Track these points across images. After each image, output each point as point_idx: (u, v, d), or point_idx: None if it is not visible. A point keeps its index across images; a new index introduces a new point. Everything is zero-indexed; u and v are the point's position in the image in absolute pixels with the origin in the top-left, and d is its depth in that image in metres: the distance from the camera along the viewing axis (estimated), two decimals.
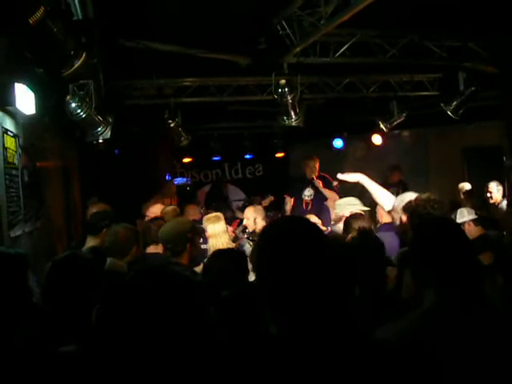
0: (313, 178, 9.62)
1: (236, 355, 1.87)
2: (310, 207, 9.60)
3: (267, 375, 1.73)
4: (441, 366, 2.14)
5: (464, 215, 6.03)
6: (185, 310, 1.75)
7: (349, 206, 6.48)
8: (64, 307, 3.03)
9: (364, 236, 4.26)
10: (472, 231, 5.84)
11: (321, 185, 9.50)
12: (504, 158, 9.35)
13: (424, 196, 4.44)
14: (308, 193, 9.71)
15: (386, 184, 11.10)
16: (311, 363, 1.72)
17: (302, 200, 9.72)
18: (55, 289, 3.11)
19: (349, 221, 5.52)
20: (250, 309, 2.96)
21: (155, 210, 7.67)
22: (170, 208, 7.74)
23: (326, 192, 9.37)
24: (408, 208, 4.36)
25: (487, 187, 9.18)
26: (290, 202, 9.87)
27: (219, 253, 4.21)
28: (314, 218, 7.60)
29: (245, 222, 7.24)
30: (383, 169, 11.76)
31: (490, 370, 2.21)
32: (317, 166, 9.74)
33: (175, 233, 4.83)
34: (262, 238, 1.98)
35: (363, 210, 6.38)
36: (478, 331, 2.28)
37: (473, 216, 6.03)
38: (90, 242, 5.36)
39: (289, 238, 1.88)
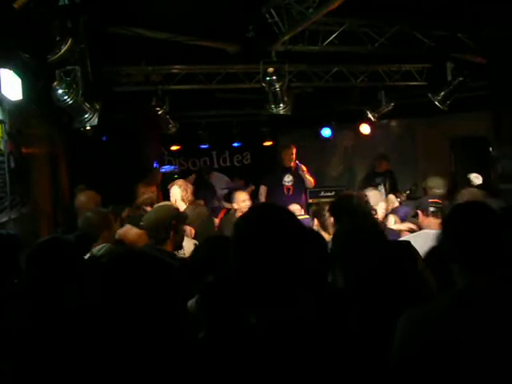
0: (291, 166, 9.87)
1: (216, 345, 1.88)
2: (291, 192, 9.92)
3: (248, 365, 1.73)
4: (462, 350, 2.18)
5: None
6: (160, 293, 1.77)
7: None
8: (42, 288, 3.03)
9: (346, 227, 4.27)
10: None
11: (305, 169, 9.82)
12: (490, 148, 9.39)
13: (347, 192, 4.58)
14: (288, 179, 9.95)
15: (373, 173, 11.25)
16: (291, 352, 1.73)
17: (283, 186, 9.87)
18: (35, 270, 3.11)
19: (321, 206, 5.62)
20: (234, 295, 2.97)
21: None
22: (146, 196, 7.71)
23: (308, 178, 9.83)
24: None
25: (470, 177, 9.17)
26: (264, 192, 10.06)
27: (209, 239, 4.22)
28: (294, 206, 7.69)
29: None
30: (371, 158, 11.81)
31: None
32: (293, 153, 9.95)
33: (158, 220, 4.80)
34: (237, 228, 1.98)
35: None
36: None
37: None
38: None
39: (264, 226, 1.87)
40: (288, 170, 9.95)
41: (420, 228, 5.15)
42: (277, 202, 8.96)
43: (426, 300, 2.57)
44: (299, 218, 2.05)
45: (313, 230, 4.37)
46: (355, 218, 4.42)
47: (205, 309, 3.12)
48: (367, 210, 4.56)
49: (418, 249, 3.09)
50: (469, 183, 8.86)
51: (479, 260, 2.45)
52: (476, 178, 8.87)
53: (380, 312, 2.65)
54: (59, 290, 2.99)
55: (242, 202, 7.54)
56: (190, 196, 7.30)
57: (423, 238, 4.01)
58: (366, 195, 4.76)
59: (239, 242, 1.92)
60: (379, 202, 5.92)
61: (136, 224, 5.50)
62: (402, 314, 2.36)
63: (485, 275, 2.41)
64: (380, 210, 5.88)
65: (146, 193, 8.74)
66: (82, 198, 6.78)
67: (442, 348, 2.22)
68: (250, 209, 2.41)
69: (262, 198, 10.07)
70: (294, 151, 9.97)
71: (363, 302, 2.96)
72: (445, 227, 2.66)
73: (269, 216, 1.93)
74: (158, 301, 1.81)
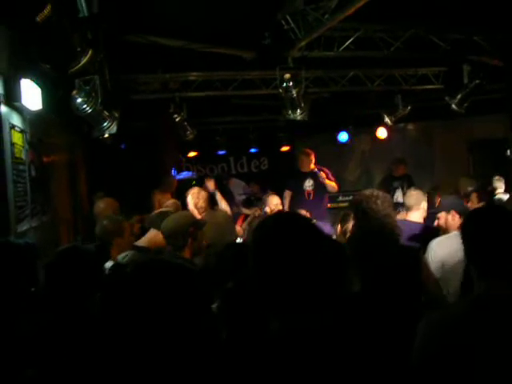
0: (312, 170, 9.78)
1: (238, 352, 1.90)
2: (312, 197, 9.84)
3: (269, 371, 1.75)
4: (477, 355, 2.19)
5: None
6: (184, 300, 1.80)
7: None
8: (63, 297, 3.07)
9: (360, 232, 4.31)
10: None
11: (324, 176, 9.69)
12: (508, 151, 9.34)
13: (367, 192, 4.55)
14: (309, 183, 9.88)
15: (390, 177, 11.22)
16: (311, 359, 1.75)
17: (304, 191, 9.86)
18: (55, 279, 3.15)
19: (346, 212, 5.63)
20: (254, 301, 3.00)
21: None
22: (170, 202, 7.71)
23: (329, 183, 9.67)
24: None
25: (493, 182, 9.11)
26: (288, 197, 10.03)
27: (229, 246, 4.26)
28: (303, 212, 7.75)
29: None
30: (388, 162, 11.79)
31: None
32: (312, 159, 9.90)
33: (176, 227, 4.81)
34: (255, 235, 2.00)
35: None
36: None
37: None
38: None
39: (281, 232, 1.90)
40: (308, 175, 9.88)
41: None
42: (298, 206, 9.04)
43: (426, 306, 2.58)
44: None
45: (330, 237, 4.40)
46: (372, 220, 4.44)
47: (225, 315, 3.16)
48: (387, 212, 4.55)
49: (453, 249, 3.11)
50: (491, 185, 8.84)
51: (497, 264, 2.45)
52: (498, 181, 8.83)
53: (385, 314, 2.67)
54: (79, 299, 3.02)
55: (274, 205, 7.67)
56: (202, 203, 7.31)
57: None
58: (385, 196, 4.72)
59: (258, 248, 1.94)
60: (422, 201, 5.89)
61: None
62: (422, 319, 2.37)
63: (503, 280, 2.42)
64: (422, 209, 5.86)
65: (163, 200, 8.74)
66: (101, 205, 6.83)
67: (458, 352, 2.23)
68: (268, 216, 2.44)
69: (287, 203, 10.09)
70: (313, 157, 9.91)
71: (376, 305, 2.99)
72: (462, 231, 2.66)
73: (286, 223, 1.95)
74: (181, 307, 1.85)
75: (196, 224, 5.01)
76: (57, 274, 3.16)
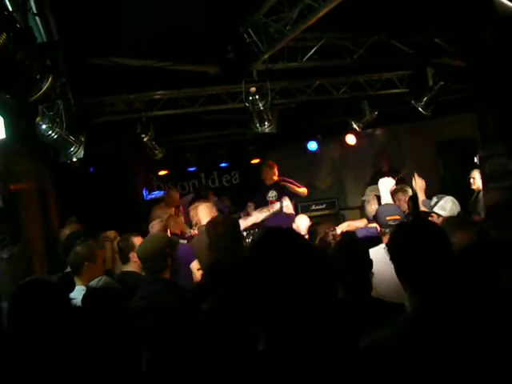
0: (275, 182, 9.95)
1: (225, 372, 1.87)
2: None
3: None
4: (424, 372, 2.12)
5: (445, 209, 5.98)
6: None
7: None
8: (26, 331, 2.98)
9: (347, 240, 4.29)
10: None
11: (293, 186, 9.82)
12: (475, 157, 9.41)
13: None
14: (272, 194, 9.96)
15: (380, 174, 11.21)
16: (301, 378, 1.71)
17: (267, 201, 9.84)
18: (18, 312, 3.07)
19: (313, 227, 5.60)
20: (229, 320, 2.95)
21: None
22: (156, 222, 7.54)
23: (298, 190, 9.80)
24: None
25: (471, 174, 9.13)
26: (251, 207, 10.15)
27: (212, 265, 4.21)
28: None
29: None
30: (359, 168, 11.81)
31: (480, 370, 2.19)
32: (275, 171, 10.06)
33: (154, 251, 4.74)
34: (250, 254, 1.97)
35: None
36: (463, 333, 2.25)
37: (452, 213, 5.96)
38: None
39: (277, 253, 1.87)
40: (271, 187, 9.99)
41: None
42: None
43: None
44: None
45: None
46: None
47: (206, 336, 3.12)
48: None
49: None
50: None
51: (426, 280, 2.41)
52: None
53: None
54: (43, 332, 2.94)
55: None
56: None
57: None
58: None
59: (251, 267, 1.92)
60: None
61: None
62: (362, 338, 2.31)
63: (435, 295, 2.38)
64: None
65: (163, 216, 8.55)
66: (66, 231, 6.81)
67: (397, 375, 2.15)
68: (261, 235, 2.41)
69: (251, 214, 10.11)
70: (276, 169, 10.06)
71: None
72: (389, 249, 2.63)
73: (279, 241, 1.93)
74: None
75: (171, 244, 4.96)
76: (19, 308, 3.07)
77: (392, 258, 2.56)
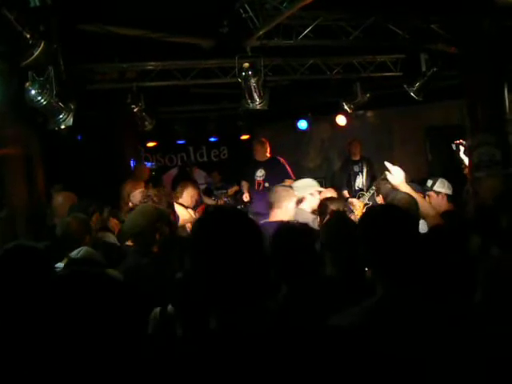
0: (267, 159, 9.87)
1: (168, 356, 1.87)
2: (261, 187, 9.81)
3: (206, 372, 1.71)
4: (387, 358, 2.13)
5: (443, 186, 6.32)
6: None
7: (308, 187, 6.49)
8: (8, 293, 2.98)
9: (339, 218, 4.30)
10: (443, 204, 6.14)
11: (285, 164, 9.74)
12: (453, 145, 9.43)
13: None
14: (260, 173, 9.92)
15: (350, 161, 11.28)
16: (251, 358, 1.71)
17: (255, 181, 9.92)
18: (1, 275, 3.06)
19: (325, 203, 5.54)
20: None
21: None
22: (137, 192, 7.45)
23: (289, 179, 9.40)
24: None
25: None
26: (246, 187, 10.16)
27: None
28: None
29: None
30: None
31: (440, 362, 2.18)
32: (267, 148, 9.97)
33: (142, 225, 4.64)
34: (194, 232, 1.97)
35: (320, 191, 6.49)
36: (424, 322, 2.24)
37: (450, 191, 6.37)
38: None
39: (220, 229, 1.85)
40: (262, 164, 9.93)
41: None
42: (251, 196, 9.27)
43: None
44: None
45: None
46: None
47: (178, 309, 3.15)
48: None
49: None
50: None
51: (394, 267, 2.39)
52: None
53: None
54: (26, 298, 2.93)
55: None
56: None
57: None
58: None
59: (194, 244, 1.90)
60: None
61: None
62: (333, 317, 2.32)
63: (402, 283, 2.36)
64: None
65: (134, 190, 8.43)
66: (59, 198, 6.75)
67: None
68: (206, 213, 2.42)
69: (246, 192, 10.19)
70: (268, 146, 9.99)
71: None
72: (358, 235, 2.60)
73: (221, 219, 1.91)
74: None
75: (161, 217, 4.86)
76: (2, 270, 3.06)
77: (361, 244, 2.53)
